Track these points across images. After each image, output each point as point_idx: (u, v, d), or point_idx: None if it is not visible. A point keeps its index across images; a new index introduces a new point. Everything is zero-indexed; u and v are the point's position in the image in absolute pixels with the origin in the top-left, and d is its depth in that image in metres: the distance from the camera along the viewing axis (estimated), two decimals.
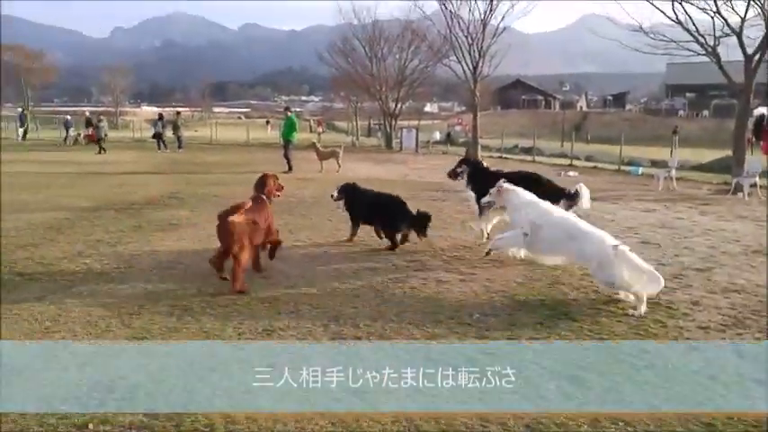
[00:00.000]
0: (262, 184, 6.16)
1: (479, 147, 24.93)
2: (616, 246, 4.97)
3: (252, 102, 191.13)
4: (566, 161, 22.99)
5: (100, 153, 24.17)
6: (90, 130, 32.12)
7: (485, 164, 8.29)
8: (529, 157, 25.62)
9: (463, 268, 6.33)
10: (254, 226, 5.50)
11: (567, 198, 7.28)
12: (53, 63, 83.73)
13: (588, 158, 25.56)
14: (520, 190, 6.14)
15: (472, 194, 7.76)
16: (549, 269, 6.22)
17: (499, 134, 30.64)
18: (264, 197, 6.00)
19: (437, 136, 41.70)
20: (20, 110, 39.90)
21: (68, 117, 35.74)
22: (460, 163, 8.14)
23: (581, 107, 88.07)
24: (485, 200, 6.62)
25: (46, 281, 5.58)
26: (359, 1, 51.78)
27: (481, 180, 7.45)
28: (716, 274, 6.21)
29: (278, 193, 6.37)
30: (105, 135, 26.82)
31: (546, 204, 5.93)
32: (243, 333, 4.34)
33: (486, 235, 7.63)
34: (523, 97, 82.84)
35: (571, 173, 18.16)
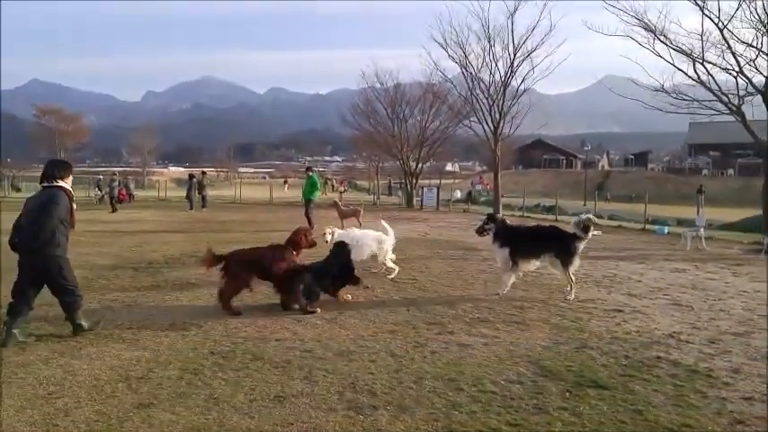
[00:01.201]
0: (293, 234, 7.27)
1: (501, 205, 24.82)
2: None
3: (276, 162, 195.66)
4: None
5: (113, 212, 24.42)
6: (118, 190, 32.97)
7: (508, 221, 8.46)
8: (551, 216, 25.38)
9: (486, 330, 6.06)
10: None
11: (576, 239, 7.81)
12: (87, 125, 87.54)
13: (612, 217, 25.21)
14: None
15: (499, 250, 7.93)
16: (576, 332, 5.93)
17: (521, 193, 30.59)
18: (290, 247, 7.11)
19: (458, 194, 41.78)
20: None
21: (100, 177, 36.80)
22: (487, 220, 8.32)
23: (602, 166, 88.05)
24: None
25: (55, 341, 5.45)
26: (382, 65, 53.15)
27: (506, 236, 7.88)
28: (755, 338, 5.85)
29: (305, 247, 7.33)
30: (114, 195, 27.19)
31: None
32: (254, 400, 4.13)
33: (506, 288, 7.83)
34: (545, 156, 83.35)
35: (595, 232, 17.76)
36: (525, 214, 26.47)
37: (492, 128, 24.16)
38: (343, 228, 17.20)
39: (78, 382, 4.41)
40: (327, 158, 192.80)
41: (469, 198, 36.15)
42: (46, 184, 5.58)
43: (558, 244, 7.72)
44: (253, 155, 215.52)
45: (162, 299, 7.46)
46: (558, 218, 24.22)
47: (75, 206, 5.77)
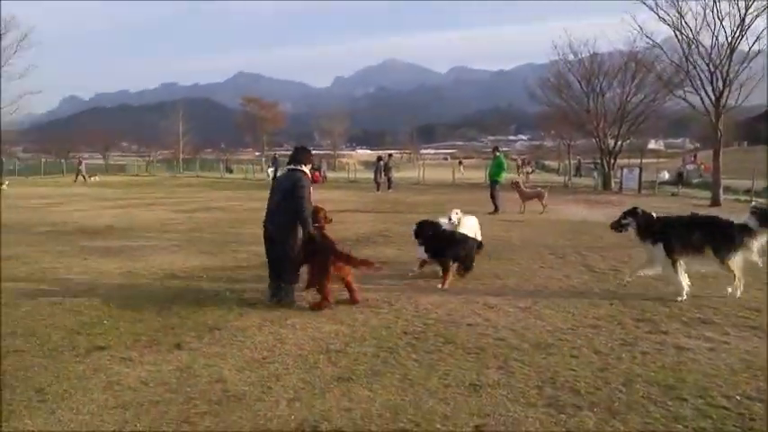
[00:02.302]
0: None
1: (721, 189, 21.40)
2: None
3: (458, 142, 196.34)
4: None
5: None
6: (313, 172, 35.55)
7: (654, 214, 7.01)
8: None
9: (710, 333, 5.23)
10: None
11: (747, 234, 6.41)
12: (283, 112, 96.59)
13: None
14: None
15: (652, 247, 6.68)
16: None
17: (746, 174, 26.30)
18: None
19: (665, 175, 37.25)
20: (273, 155, 45.45)
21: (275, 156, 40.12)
22: (626, 214, 7.04)
23: None
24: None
25: (266, 311, 5.90)
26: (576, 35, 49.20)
27: (653, 230, 6.65)
28: None
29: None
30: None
31: None
32: (449, 385, 4.01)
33: (683, 290, 6.50)
34: None
35: None
36: (753, 198, 22.90)
37: (713, 98, 20.83)
38: (523, 211, 16.54)
39: (286, 351, 4.71)
40: (512, 137, 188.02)
41: (680, 180, 31.84)
42: (292, 167, 6.27)
43: (718, 235, 6.48)
44: (434, 136, 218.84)
45: (357, 277, 7.69)
46: None
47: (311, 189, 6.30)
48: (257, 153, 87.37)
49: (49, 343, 4.89)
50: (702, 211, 17.95)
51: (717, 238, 6.48)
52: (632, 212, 6.99)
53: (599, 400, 3.79)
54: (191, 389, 3.95)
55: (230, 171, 56.05)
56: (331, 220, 6.75)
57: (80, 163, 39.47)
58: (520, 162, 55.89)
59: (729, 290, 6.58)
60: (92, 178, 37.50)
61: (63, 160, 48.70)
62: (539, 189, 18.34)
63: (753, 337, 5.16)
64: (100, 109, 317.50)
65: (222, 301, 6.27)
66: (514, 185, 17.65)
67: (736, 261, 6.48)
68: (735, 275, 6.52)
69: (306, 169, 6.32)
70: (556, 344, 4.92)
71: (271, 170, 37.57)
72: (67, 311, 5.85)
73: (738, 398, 3.83)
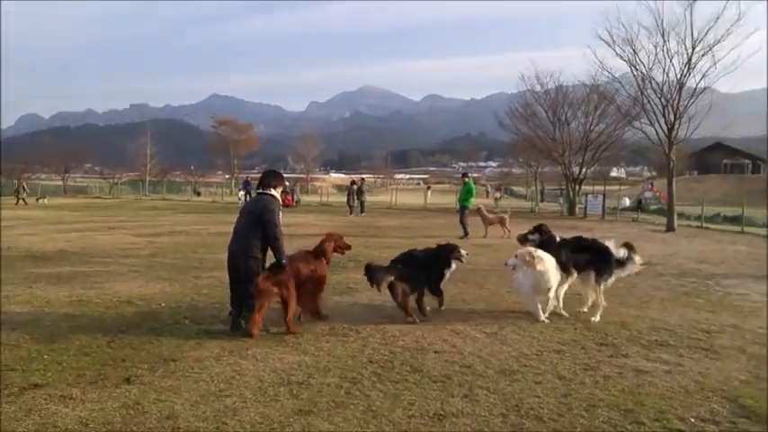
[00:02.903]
0: (322, 242, 6.80)
1: (675, 215, 22.21)
2: None
3: (431, 168, 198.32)
4: None
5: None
6: (284, 196, 35.23)
7: (557, 236, 7.58)
8: (736, 227, 22.32)
9: (667, 356, 5.30)
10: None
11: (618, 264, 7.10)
12: (257, 135, 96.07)
13: None
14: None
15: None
16: None
17: (696, 201, 27.32)
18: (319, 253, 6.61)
19: (626, 202, 38.52)
20: (245, 177, 44.71)
21: (247, 179, 39.64)
22: (534, 230, 7.63)
23: None
24: (509, 262, 6.57)
25: (225, 340, 5.72)
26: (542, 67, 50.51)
27: (548, 249, 7.07)
28: None
29: (339, 251, 6.95)
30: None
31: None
32: (413, 416, 3.92)
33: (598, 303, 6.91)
34: (725, 161, 74.00)
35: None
36: (703, 224, 23.65)
37: (666, 130, 21.75)
38: (486, 235, 16.78)
39: (245, 383, 4.54)
40: (482, 164, 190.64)
41: (639, 206, 33.10)
42: (261, 191, 6.21)
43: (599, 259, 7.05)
44: (408, 161, 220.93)
45: (323, 304, 7.57)
46: (745, 229, 21.28)
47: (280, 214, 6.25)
48: (227, 176, 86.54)
49: None
50: (658, 236, 18.57)
51: (598, 261, 6.99)
52: (539, 229, 7.57)
53: (562, 426, 3.76)
54: (137, 428, 3.72)
55: (198, 194, 55.30)
56: (348, 247, 7.05)
57: (21, 184, 38.15)
58: (490, 188, 56.59)
59: (585, 309, 7.02)
60: (39, 200, 36.53)
61: (16, 180, 46.88)
62: (501, 214, 18.76)
63: (705, 358, 5.28)
64: (62, 128, 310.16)
65: (180, 331, 6.06)
66: (477, 211, 18.05)
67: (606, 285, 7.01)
68: (599, 299, 6.92)
69: (275, 193, 6.21)
70: (521, 370, 4.89)
71: (242, 193, 37.12)
72: (3, 346, 5.40)
73: (693, 420, 3.87)
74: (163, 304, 7.39)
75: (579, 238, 7.57)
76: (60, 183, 62.40)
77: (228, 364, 5.00)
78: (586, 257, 7.03)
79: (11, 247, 13.09)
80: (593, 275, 6.93)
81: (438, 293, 7.03)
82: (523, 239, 7.58)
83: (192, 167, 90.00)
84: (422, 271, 6.79)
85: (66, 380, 4.56)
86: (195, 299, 7.75)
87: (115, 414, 3.92)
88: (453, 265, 6.99)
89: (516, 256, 6.62)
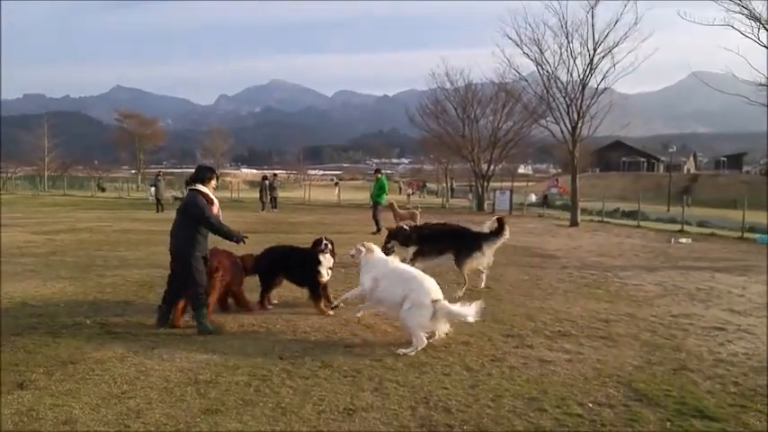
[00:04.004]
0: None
1: (578, 210, 23.50)
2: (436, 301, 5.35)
3: (344, 164, 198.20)
4: (675, 226, 21.26)
5: (158, 212, 23.79)
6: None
7: (405, 226, 9.17)
8: (632, 222, 24.06)
9: (569, 346, 5.62)
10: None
11: (491, 237, 8.20)
12: (163, 129, 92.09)
13: (701, 224, 23.56)
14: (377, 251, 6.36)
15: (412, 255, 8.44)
16: (672, 351, 5.40)
17: (598, 197, 29.19)
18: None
19: (533, 198, 40.41)
20: (157, 172, 42.34)
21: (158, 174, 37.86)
22: (387, 239, 8.82)
23: (688, 169, 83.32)
24: (351, 252, 6.48)
25: (131, 339, 5.50)
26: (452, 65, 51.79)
27: (411, 238, 8.53)
28: None
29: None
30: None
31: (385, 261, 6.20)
32: (323, 411, 3.93)
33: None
34: (624, 159, 79.74)
35: (683, 239, 16.65)
36: (604, 219, 25.29)
37: (569, 128, 22.94)
38: None
39: (150, 383, 4.38)
40: (395, 160, 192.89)
41: (545, 202, 34.81)
42: (190, 187, 6.18)
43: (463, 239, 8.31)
44: (321, 157, 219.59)
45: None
46: (641, 223, 22.96)
47: (216, 208, 6.16)
48: (132, 171, 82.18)
49: None
50: (563, 231, 19.70)
51: (458, 245, 8.09)
52: (390, 235, 8.74)
53: (469, 417, 3.90)
54: None
55: (103, 189, 52.18)
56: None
57: None
58: (404, 184, 57.52)
59: (460, 293, 7.63)
60: None
61: None
62: (412, 210, 19.16)
63: (603, 346, 5.64)
64: None
65: (80, 332, 5.73)
66: (389, 206, 18.25)
67: (469, 266, 7.99)
68: (464, 277, 7.97)
69: (202, 188, 6.12)
70: (429, 362, 5.03)
71: (153, 189, 35.35)
72: None
73: (591, 405, 4.13)
74: (62, 305, 6.96)
75: (438, 224, 8.97)
76: None
77: (133, 364, 4.80)
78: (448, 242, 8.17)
79: None
80: (454, 257, 7.95)
81: (312, 289, 6.81)
82: (386, 251, 7.75)
83: (96, 162, 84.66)
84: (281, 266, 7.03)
85: None
86: (98, 298, 7.36)
87: (7, 422, 3.69)
88: (324, 260, 6.73)
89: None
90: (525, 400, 4.19)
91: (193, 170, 6.43)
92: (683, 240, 16.39)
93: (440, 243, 8.39)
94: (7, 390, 4.19)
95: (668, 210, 33.72)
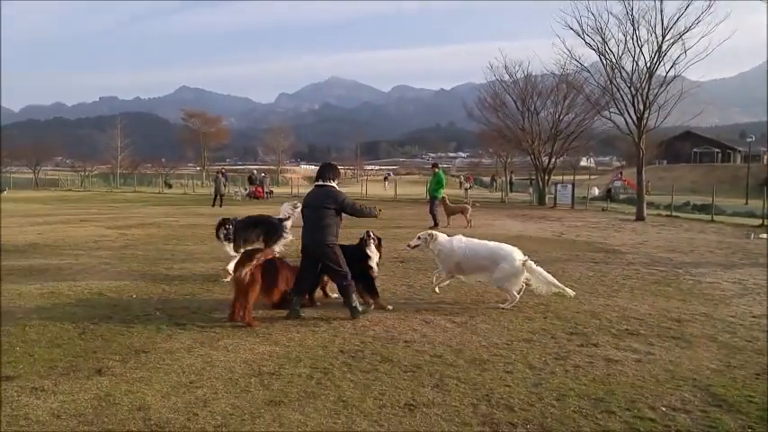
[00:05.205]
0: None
1: (645, 204, 22.43)
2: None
3: (401, 159, 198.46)
4: (755, 221, 19.95)
5: (214, 206, 24.26)
6: (254, 188, 34.83)
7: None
8: (705, 216, 22.77)
9: (637, 345, 5.39)
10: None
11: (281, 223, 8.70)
12: (227, 127, 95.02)
13: None
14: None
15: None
16: (754, 354, 5.08)
17: (666, 190, 27.86)
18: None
19: (595, 191, 39.10)
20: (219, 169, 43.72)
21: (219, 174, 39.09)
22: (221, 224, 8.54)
23: None
24: (411, 242, 7.69)
25: (196, 331, 5.68)
26: (511, 57, 50.73)
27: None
28: None
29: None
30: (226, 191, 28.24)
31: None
32: (384, 406, 3.94)
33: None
34: (695, 150, 75.42)
35: (764, 235, 15.64)
36: (673, 213, 24.15)
37: (635, 119, 21.99)
38: (448, 224, 16.87)
39: (216, 374, 4.51)
40: (452, 154, 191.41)
41: (608, 195, 33.55)
42: (320, 183, 6.54)
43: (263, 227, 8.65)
44: (378, 152, 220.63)
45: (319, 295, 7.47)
46: (715, 218, 21.74)
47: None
48: (198, 168, 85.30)
49: None
50: (628, 225, 18.92)
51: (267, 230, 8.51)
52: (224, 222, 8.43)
53: (532, 416, 3.80)
54: (108, 419, 3.68)
55: (169, 186, 54.57)
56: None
57: None
58: (463, 178, 56.94)
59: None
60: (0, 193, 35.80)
61: None
62: (463, 204, 18.93)
63: (675, 347, 5.36)
64: (32, 122, 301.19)
65: (151, 322, 5.97)
66: (441, 201, 18.06)
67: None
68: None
69: (333, 184, 6.56)
70: (491, 359, 4.94)
71: (242, 189, 36.56)
72: None
73: (664, 409, 3.93)
74: (134, 296, 7.29)
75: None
76: (31, 176, 61.01)
77: (200, 355, 4.96)
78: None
79: None
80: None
81: (366, 284, 6.81)
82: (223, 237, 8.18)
83: (164, 160, 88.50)
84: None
85: (38, 372, 4.51)
86: (166, 290, 7.65)
87: (87, 405, 3.88)
88: (373, 254, 6.91)
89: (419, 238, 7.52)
90: (591, 401, 4.05)
91: (319, 167, 6.77)
92: (764, 236, 15.41)
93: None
94: (86, 375, 4.43)
95: (746, 203, 31.74)
